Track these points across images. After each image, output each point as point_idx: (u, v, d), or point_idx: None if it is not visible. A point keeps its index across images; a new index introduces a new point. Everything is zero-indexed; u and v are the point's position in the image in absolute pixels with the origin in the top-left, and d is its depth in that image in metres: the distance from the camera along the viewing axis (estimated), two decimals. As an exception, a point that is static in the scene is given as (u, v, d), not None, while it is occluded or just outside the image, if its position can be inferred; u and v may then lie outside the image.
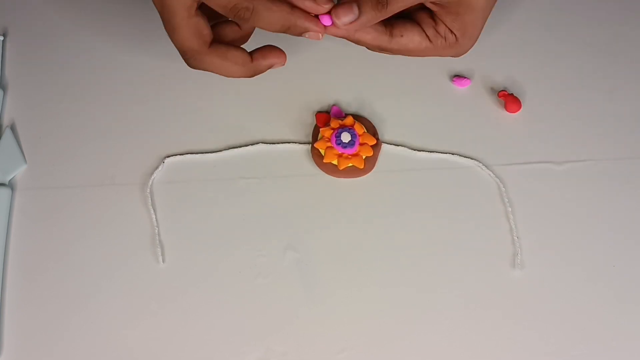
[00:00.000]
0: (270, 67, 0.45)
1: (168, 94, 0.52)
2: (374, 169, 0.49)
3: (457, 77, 0.52)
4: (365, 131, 0.49)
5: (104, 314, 0.44)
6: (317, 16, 0.42)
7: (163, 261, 0.46)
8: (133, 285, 0.45)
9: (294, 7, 0.42)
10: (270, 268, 0.46)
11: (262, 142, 0.50)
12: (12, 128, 0.50)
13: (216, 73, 0.44)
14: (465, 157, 0.49)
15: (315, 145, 0.49)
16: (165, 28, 0.42)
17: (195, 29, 0.42)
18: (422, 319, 0.44)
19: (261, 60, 0.45)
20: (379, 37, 0.45)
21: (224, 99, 0.52)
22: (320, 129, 0.49)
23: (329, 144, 0.49)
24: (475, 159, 0.49)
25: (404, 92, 0.52)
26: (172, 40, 0.43)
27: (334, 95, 0.52)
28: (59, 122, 0.51)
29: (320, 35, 0.43)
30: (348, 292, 0.45)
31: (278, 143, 0.50)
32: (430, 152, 0.49)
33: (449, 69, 0.53)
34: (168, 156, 0.49)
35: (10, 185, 0.48)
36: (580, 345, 0.43)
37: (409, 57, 0.47)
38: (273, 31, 0.43)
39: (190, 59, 0.43)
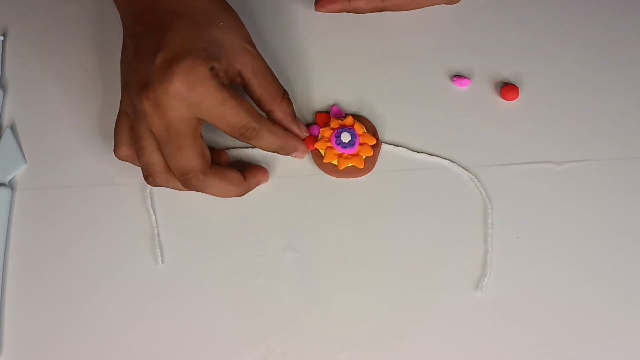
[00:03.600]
0: (258, 185, 0.48)
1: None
2: (374, 169, 0.49)
3: (457, 77, 0.52)
4: (365, 131, 0.49)
5: (104, 314, 0.44)
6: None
7: (162, 262, 0.46)
8: (133, 286, 0.45)
9: (287, 130, 0.47)
10: (270, 268, 0.46)
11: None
12: (12, 128, 0.50)
13: (213, 194, 0.46)
14: (461, 167, 0.49)
15: (315, 145, 0.49)
16: (168, 149, 0.43)
17: (199, 149, 0.44)
18: (421, 319, 0.44)
19: (251, 179, 0.47)
20: (371, 0, 0.52)
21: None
22: (320, 129, 0.49)
23: (329, 144, 0.49)
24: (471, 172, 0.49)
25: (404, 92, 0.52)
26: (174, 161, 0.43)
27: (334, 95, 0.52)
28: (59, 122, 0.51)
29: (305, 155, 0.49)
30: (348, 292, 0.45)
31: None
32: (430, 154, 0.49)
33: (449, 69, 0.53)
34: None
35: (10, 185, 0.48)
36: (579, 346, 0.43)
37: (402, 11, 0.53)
38: (268, 150, 0.47)
39: (193, 179, 0.44)
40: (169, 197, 0.48)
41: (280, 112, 0.47)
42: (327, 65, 0.53)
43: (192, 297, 0.45)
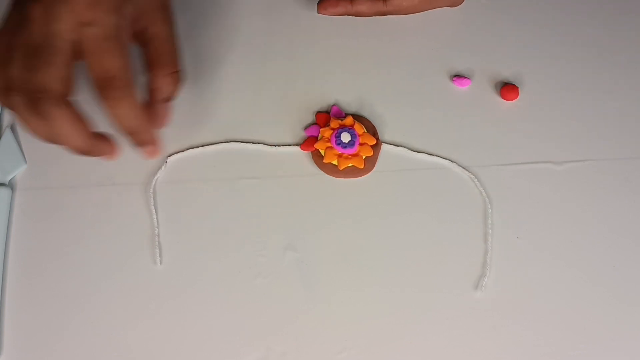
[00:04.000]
0: (102, 153, 0.43)
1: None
2: (374, 169, 0.49)
3: (457, 77, 0.52)
4: (365, 131, 0.49)
5: (104, 314, 0.44)
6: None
7: (160, 262, 0.46)
8: (133, 286, 0.45)
9: (152, 107, 0.44)
10: (270, 268, 0.46)
11: (264, 144, 0.50)
12: (12, 128, 0.50)
13: (51, 131, 0.40)
14: (461, 167, 0.49)
15: (315, 145, 0.49)
16: (35, 60, 0.39)
17: (68, 76, 0.40)
18: (421, 319, 0.44)
19: (101, 141, 0.43)
20: (374, 4, 0.52)
21: (225, 99, 0.52)
22: (320, 129, 0.49)
23: (329, 144, 0.49)
24: (471, 172, 0.49)
25: (404, 92, 0.52)
26: (34, 74, 0.39)
27: (334, 95, 0.52)
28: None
29: (157, 154, 0.44)
30: (348, 292, 0.45)
31: (279, 146, 0.50)
32: (430, 154, 0.49)
33: (449, 69, 0.53)
34: (170, 155, 0.49)
35: (10, 185, 0.48)
36: (579, 346, 0.43)
37: (405, 15, 0.53)
38: (119, 125, 0.41)
39: (44, 101, 0.39)
40: (169, 198, 0.48)
41: (161, 82, 0.44)
42: (327, 65, 0.53)
43: (192, 297, 0.45)
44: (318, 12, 0.53)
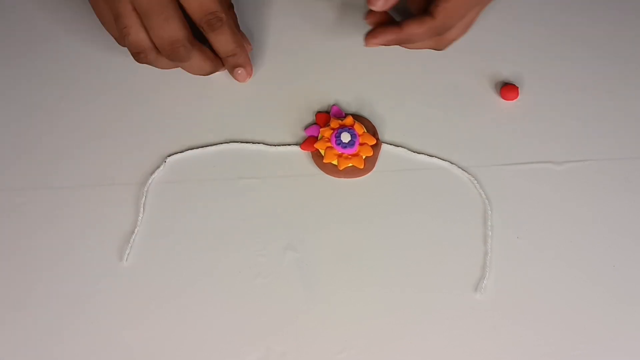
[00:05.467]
0: (234, 66, 0.50)
1: (169, 94, 0.52)
2: (374, 169, 0.49)
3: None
4: (365, 131, 0.49)
5: (104, 314, 0.44)
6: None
7: (127, 260, 0.45)
8: (133, 285, 0.45)
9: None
10: (270, 268, 0.46)
11: (263, 144, 0.50)
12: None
13: (191, 67, 0.48)
14: (461, 168, 0.49)
15: (315, 145, 0.49)
16: (154, 21, 0.44)
17: (183, 20, 0.45)
18: (421, 319, 0.44)
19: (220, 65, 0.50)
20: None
21: (225, 99, 0.52)
22: (320, 129, 0.49)
23: (329, 144, 0.49)
24: (470, 173, 0.49)
25: (404, 92, 0.52)
26: (161, 32, 0.44)
27: (334, 95, 0.52)
28: (59, 122, 0.51)
29: (248, 78, 0.50)
30: (348, 292, 0.45)
31: (279, 145, 0.50)
32: (430, 156, 0.49)
33: (450, 69, 0.53)
34: (170, 155, 0.49)
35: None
36: (579, 346, 0.43)
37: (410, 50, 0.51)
38: (221, 51, 0.48)
39: (181, 48, 0.45)
40: (169, 198, 0.48)
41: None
42: (327, 65, 0.53)
43: (192, 297, 0.45)
44: (365, 45, 0.48)
